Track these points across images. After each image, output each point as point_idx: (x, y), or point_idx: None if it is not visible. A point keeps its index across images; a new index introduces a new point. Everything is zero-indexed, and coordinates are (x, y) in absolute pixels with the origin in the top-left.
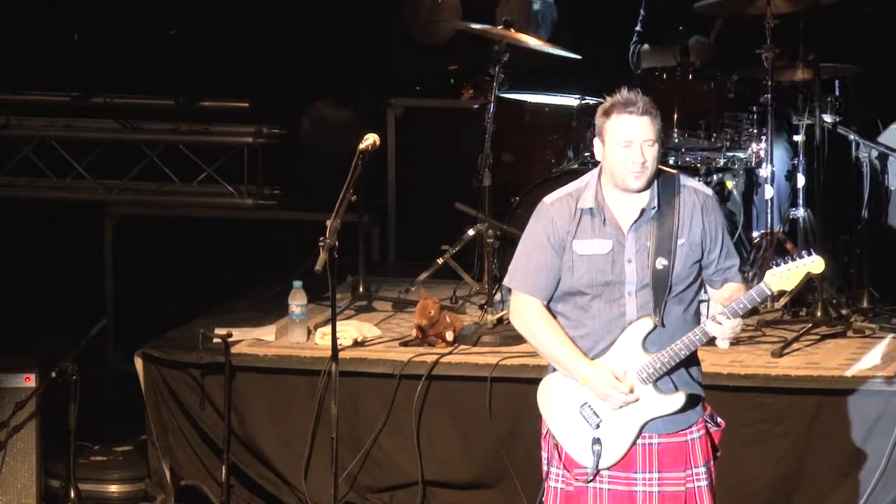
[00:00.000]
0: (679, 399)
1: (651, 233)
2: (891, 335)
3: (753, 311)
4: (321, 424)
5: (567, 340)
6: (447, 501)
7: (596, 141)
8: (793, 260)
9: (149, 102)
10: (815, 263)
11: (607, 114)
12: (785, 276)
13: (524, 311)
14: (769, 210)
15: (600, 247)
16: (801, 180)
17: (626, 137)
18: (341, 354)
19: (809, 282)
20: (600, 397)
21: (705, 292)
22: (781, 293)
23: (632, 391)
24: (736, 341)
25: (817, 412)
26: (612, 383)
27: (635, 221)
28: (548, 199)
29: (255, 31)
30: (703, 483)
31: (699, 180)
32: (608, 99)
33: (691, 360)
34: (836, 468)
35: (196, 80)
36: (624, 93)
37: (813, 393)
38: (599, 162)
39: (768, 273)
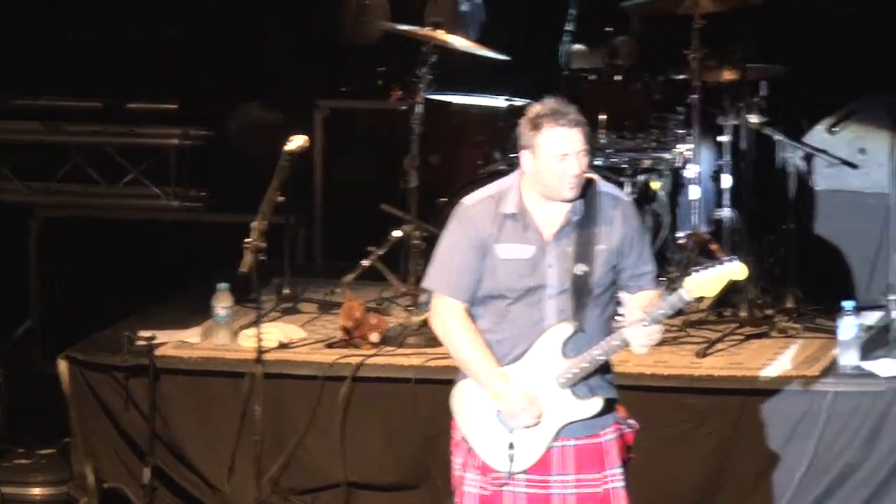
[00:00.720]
0: (596, 404)
1: (572, 239)
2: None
3: (678, 312)
4: (245, 427)
5: (485, 352)
6: (371, 503)
7: (524, 153)
8: (713, 266)
9: (75, 104)
10: (736, 270)
11: (537, 127)
12: (706, 282)
13: (445, 314)
14: (695, 211)
15: (522, 252)
16: (726, 181)
17: (562, 151)
18: (266, 356)
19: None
20: (508, 416)
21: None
22: (702, 299)
23: (540, 416)
24: (660, 342)
25: (741, 412)
26: (523, 405)
27: (560, 229)
28: (467, 200)
29: (182, 32)
30: (620, 484)
31: (626, 179)
32: (533, 109)
33: (606, 364)
34: (759, 469)
35: (122, 81)
36: (550, 103)
37: (737, 393)
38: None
39: (688, 279)
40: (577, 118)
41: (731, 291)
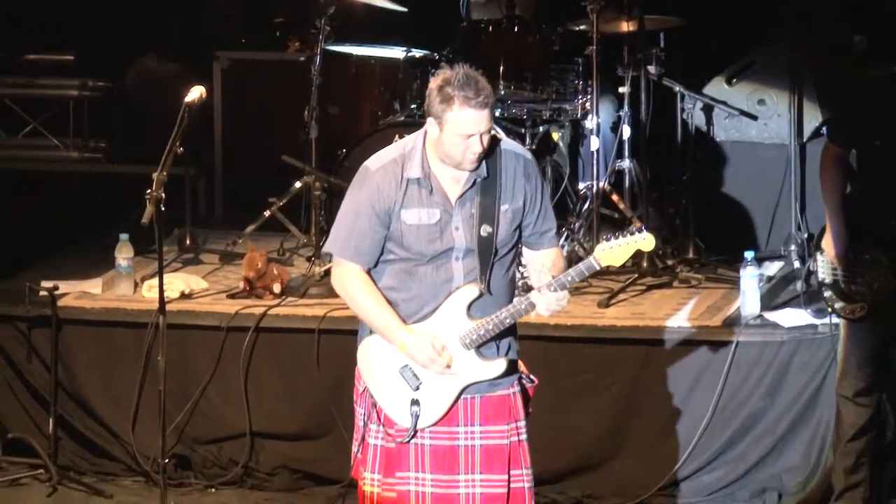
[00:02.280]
0: (500, 366)
1: (476, 200)
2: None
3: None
4: (149, 377)
5: (387, 307)
6: (275, 453)
7: (430, 120)
8: (623, 236)
9: None
10: (645, 241)
11: (447, 101)
12: (615, 251)
13: (345, 277)
14: (595, 161)
15: (429, 216)
16: (626, 132)
17: (469, 131)
18: (168, 307)
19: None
20: (419, 366)
21: (522, 264)
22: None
23: (450, 365)
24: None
25: (644, 363)
26: (431, 355)
27: (464, 190)
28: (371, 164)
29: None
30: (524, 437)
31: (526, 130)
32: (444, 75)
33: (512, 325)
34: (662, 419)
35: (20, 33)
36: (461, 75)
37: (639, 343)
38: (425, 114)
39: (598, 247)
40: (487, 98)
41: None
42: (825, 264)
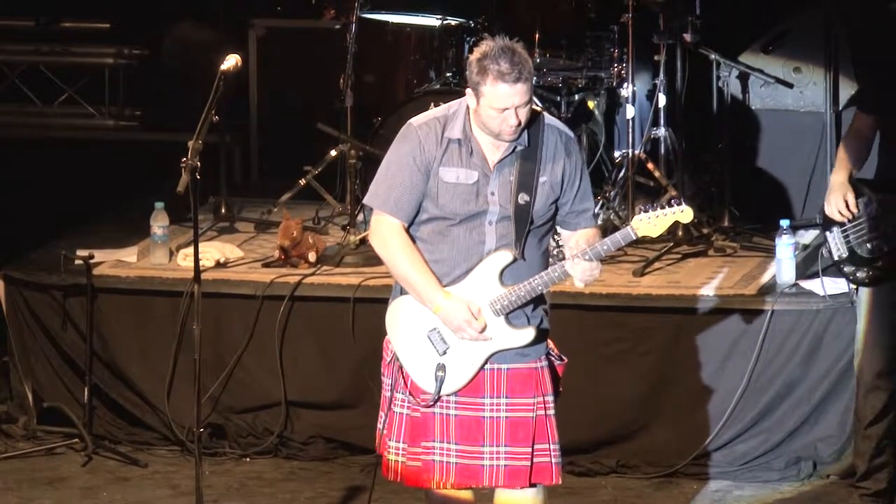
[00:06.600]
0: (529, 334)
1: (515, 167)
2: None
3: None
4: (184, 346)
5: (424, 268)
6: (310, 422)
7: (469, 91)
8: (662, 207)
9: (8, 23)
10: (684, 213)
11: (483, 73)
12: (653, 222)
13: (384, 231)
14: (630, 130)
15: (466, 176)
16: (662, 100)
17: (502, 105)
18: (204, 275)
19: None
20: (452, 330)
21: (557, 233)
22: (646, 238)
23: (484, 329)
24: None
25: (679, 331)
26: (467, 318)
27: (504, 157)
28: (415, 121)
29: None
30: (552, 412)
31: (561, 98)
32: (483, 47)
33: (541, 295)
34: (697, 387)
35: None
36: (497, 48)
37: (675, 312)
38: (461, 83)
39: (636, 218)
40: (521, 72)
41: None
42: (836, 238)
